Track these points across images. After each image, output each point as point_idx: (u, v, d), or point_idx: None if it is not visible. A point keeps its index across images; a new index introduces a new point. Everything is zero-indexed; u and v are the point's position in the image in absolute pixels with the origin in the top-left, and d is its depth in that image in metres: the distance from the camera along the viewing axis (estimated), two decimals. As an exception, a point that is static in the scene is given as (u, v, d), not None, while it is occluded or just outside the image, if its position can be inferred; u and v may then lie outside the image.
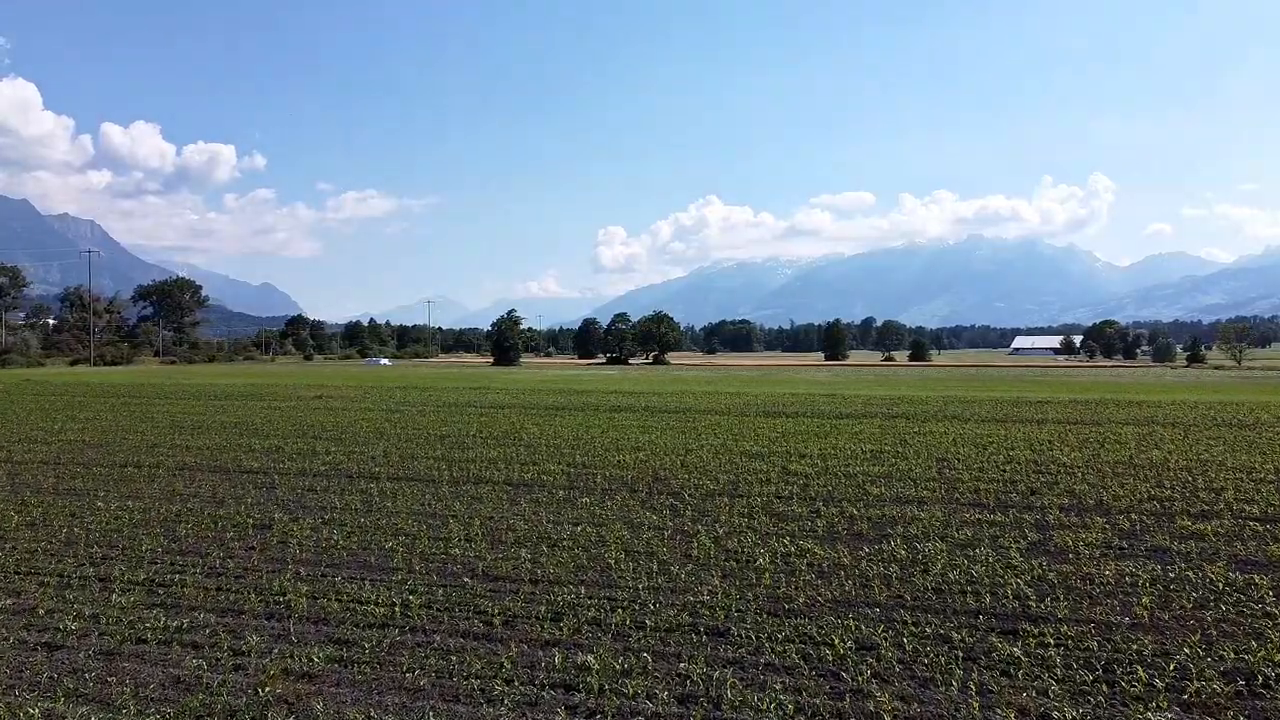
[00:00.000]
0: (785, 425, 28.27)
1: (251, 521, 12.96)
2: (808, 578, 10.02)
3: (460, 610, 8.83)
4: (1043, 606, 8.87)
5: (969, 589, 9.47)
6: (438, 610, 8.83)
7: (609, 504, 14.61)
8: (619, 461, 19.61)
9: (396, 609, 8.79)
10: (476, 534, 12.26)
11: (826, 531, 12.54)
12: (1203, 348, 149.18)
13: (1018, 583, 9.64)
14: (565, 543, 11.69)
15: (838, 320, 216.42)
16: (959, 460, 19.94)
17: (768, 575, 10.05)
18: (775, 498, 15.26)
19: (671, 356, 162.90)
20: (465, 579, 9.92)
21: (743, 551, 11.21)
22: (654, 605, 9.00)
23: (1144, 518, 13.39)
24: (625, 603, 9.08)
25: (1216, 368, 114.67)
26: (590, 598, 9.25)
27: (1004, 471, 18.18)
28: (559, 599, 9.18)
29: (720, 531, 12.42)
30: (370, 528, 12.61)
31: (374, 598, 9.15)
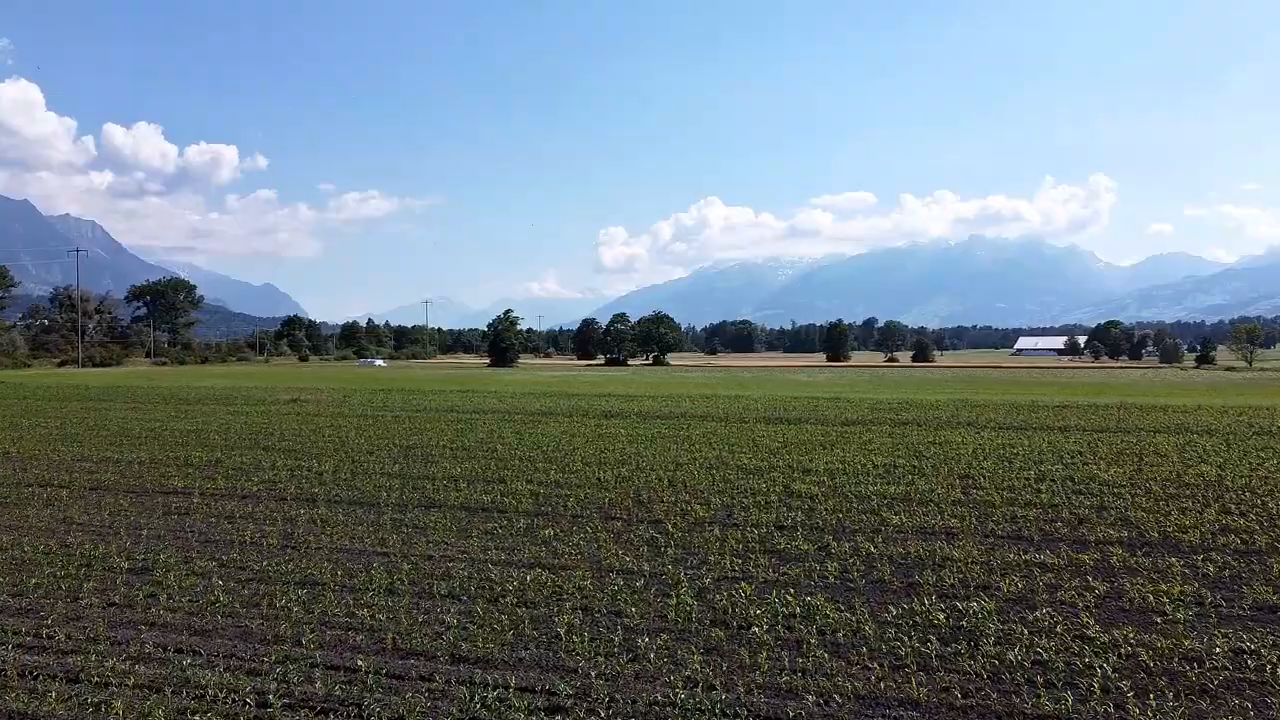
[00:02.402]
0: (787, 434, 25.81)
1: (128, 565, 10.50)
2: (818, 655, 7.57)
3: (335, 718, 6.38)
4: (1148, 712, 6.40)
5: (1039, 678, 7.01)
6: (304, 718, 6.37)
7: (576, 537, 12.16)
8: (598, 479, 17.16)
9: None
10: (402, 583, 9.81)
11: (839, 578, 10.09)
12: (1214, 349, 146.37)
13: (1103, 668, 7.17)
14: (510, 597, 9.24)
15: (840, 321, 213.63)
16: (984, 477, 17.49)
17: (765, 653, 7.60)
18: (776, 528, 12.81)
19: (672, 357, 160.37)
20: (361, 659, 7.46)
21: (734, 611, 8.76)
22: (607, 708, 6.54)
23: (1227, 558, 10.92)
24: (568, 702, 6.62)
25: (1228, 369, 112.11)
26: (522, 691, 6.80)
27: (1039, 493, 15.71)
28: (479, 694, 6.73)
29: (707, 580, 9.96)
30: (272, 575, 10.15)
31: (222, 694, 6.69)
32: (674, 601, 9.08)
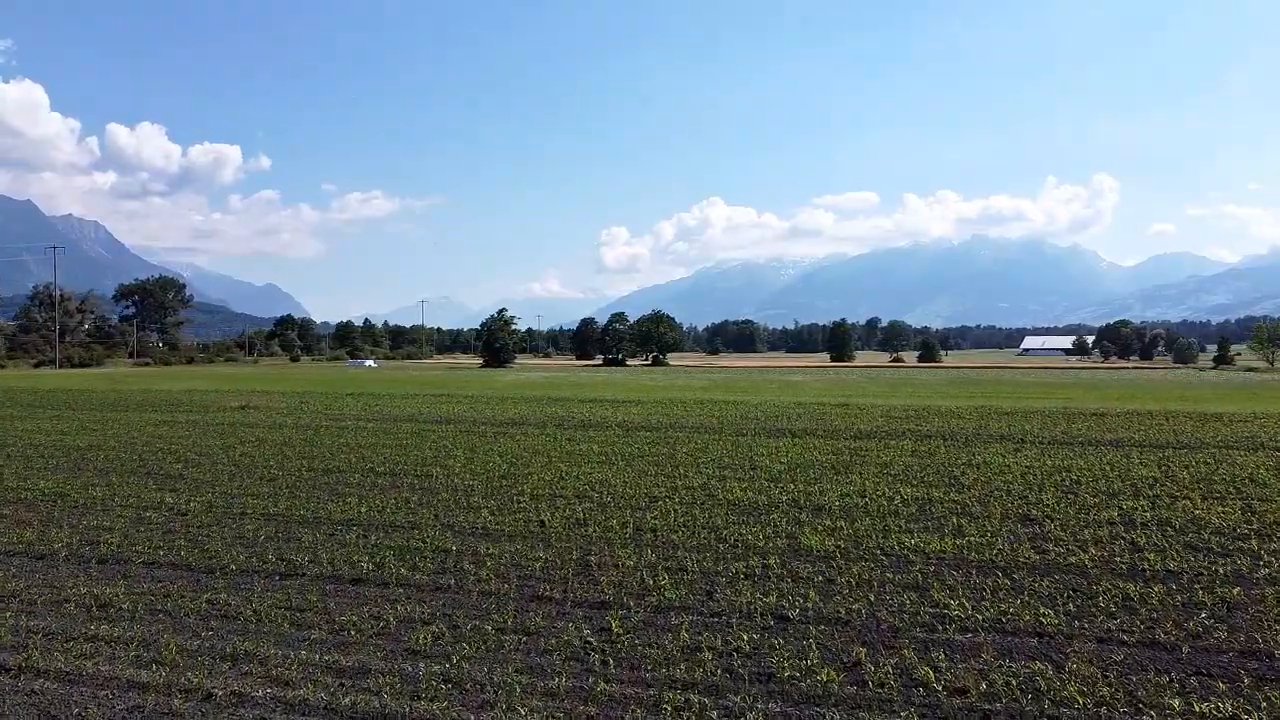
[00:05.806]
0: (791, 450, 21.44)
1: None
2: None
3: None
4: None
5: None
6: None
7: (469, 643, 7.81)
8: (541, 525, 12.82)
9: None
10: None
11: (886, 752, 5.76)
12: (1228, 348, 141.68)
13: None
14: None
15: (843, 320, 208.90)
16: (1053, 521, 13.14)
17: None
18: (777, 622, 8.48)
19: (673, 357, 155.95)
20: None
21: None
22: None
23: None
24: None
25: (1249, 369, 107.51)
26: None
27: (1139, 552, 11.34)
28: None
29: (652, 767, 5.62)
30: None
31: None
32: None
